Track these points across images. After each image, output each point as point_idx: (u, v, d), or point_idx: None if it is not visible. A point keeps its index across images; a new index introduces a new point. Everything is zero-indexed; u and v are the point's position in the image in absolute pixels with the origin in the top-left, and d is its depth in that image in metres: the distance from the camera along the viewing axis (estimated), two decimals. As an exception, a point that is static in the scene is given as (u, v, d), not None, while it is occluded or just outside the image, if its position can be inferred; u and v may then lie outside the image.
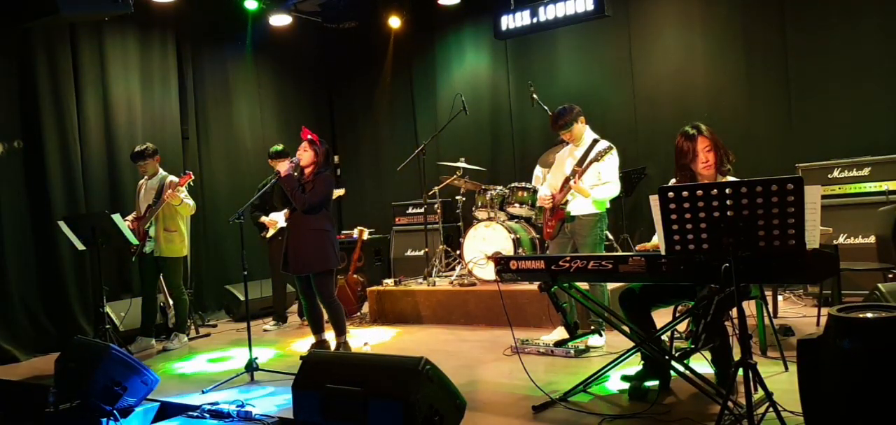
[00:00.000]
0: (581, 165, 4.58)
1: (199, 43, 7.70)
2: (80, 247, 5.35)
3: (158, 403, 3.95)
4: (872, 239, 5.09)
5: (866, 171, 5.36)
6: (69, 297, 6.25)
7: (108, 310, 5.61)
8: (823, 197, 3.26)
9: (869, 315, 2.18)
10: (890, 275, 4.41)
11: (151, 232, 5.73)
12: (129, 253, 5.78)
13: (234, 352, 5.40)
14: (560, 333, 4.64)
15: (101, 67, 6.70)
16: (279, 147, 6.19)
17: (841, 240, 5.29)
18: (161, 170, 5.90)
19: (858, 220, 5.27)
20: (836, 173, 5.45)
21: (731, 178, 3.40)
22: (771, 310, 4.55)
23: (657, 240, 3.56)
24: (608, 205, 4.71)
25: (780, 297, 5.31)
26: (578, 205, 4.64)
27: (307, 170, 4.84)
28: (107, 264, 6.33)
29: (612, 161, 4.56)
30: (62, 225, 5.33)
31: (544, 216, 4.95)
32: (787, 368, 3.71)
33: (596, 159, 4.51)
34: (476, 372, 4.33)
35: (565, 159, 4.81)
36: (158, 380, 4.00)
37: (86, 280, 6.36)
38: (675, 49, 6.92)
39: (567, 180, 4.64)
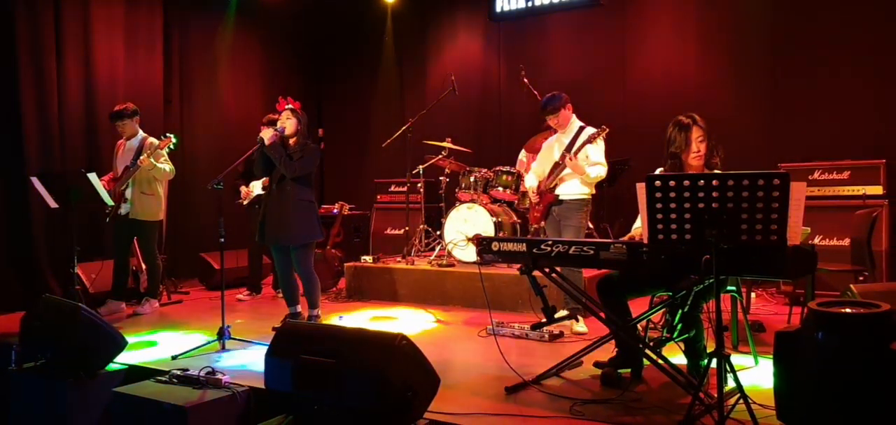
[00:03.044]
0: (570, 150, 4.64)
1: (187, 7, 7.55)
2: (53, 204, 5.22)
3: (126, 366, 3.88)
4: (847, 241, 5.16)
5: (846, 175, 5.42)
6: (39, 256, 6.13)
7: (78, 270, 5.50)
8: (803, 197, 3.41)
9: (848, 310, 2.20)
10: (861, 278, 4.47)
11: (127, 193, 5.60)
12: (103, 213, 5.66)
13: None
14: (581, 327, 4.67)
15: (84, 25, 6.53)
16: (275, 116, 6.07)
17: (816, 240, 5.35)
18: (141, 132, 5.77)
19: (835, 223, 5.34)
20: (816, 175, 5.51)
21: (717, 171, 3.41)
22: (744, 305, 4.60)
23: (637, 227, 3.59)
24: (593, 191, 4.78)
25: (752, 294, 5.37)
26: (567, 189, 4.70)
27: (292, 139, 4.77)
28: (79, 224, 6.18)
29: (601, 144, 4.66)
30: (35, 181, 5.20)
31: (530, 202, 4.98)
32: (757, 363, 3.74)
33: (589, 141, 4.55)
34: (451, 351, 4.32)
35: (553, 146, 4.87)
36: (126, 343, 3.92)
37: (57, 239, 6.22)
38: (667, 44, 6.93)
39: (556, 165, 4.66)
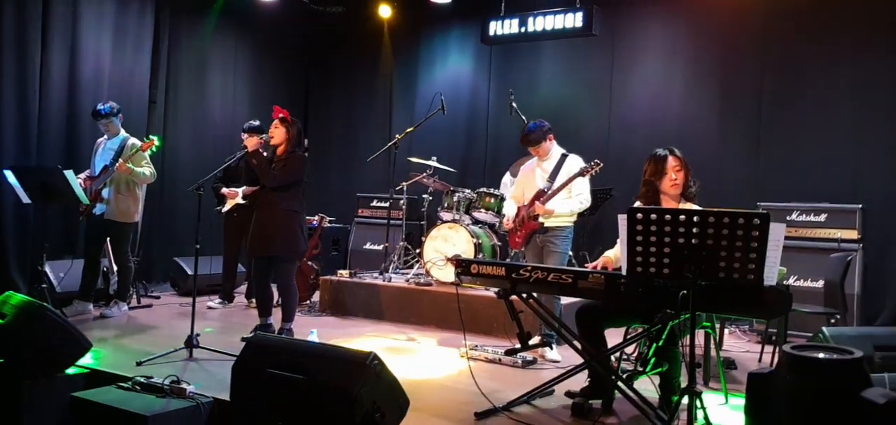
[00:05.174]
0: (552, 179, 4.63)
1: (179, 8, 7.49)
2: (26, 200, 5.10)
3: (88, 370, 3.77)
4: (820, 283, 5.21)
5: (823, 217, 5.49)
6: (6, 251, 5.96)
7: (46, 268, 5.37)
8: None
9: (821, 355, 2.20)
10: (833, 321, 4.50)
11: (105, 193, 5.50)
12: (77, 212, 5.54)
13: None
14: (554, 354, 4.62)
15: (72, 19, 6.44)
16: (256, 122, 6.02)
17: (791, 281, 5.40)
18: (123, 132, 5.67)
19: (809, 264, 5.40)
20: (794, 216, 5.57)
21: (694, 205, 3.43)
22: (717, 341, 4.61)
23: (611, 253, 3.59)
24: (575, 219, 4.76)
25: (725, 331, 5.38)
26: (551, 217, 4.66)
27: (279, 149, 4.72)
28: (52, 221, 6.06)
29: (587, 177, 4.63)
30: (9, 174, 5.08)
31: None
32: (727, 400, 3.74)
33: (581, 174, 4.52)
34: (422, 372, 4.26)
35: (534, 170, 4.82)
36: (91, 346, 3.81)
37: (27, 235, 6.08)
38: (654, 76, 7.00)
39: (541, 192, 4.65)
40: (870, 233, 5.48)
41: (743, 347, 5.23)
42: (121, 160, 5.38)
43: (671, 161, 3.41)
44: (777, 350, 4.38)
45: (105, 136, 5.66)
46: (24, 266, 6.04)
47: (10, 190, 5.21)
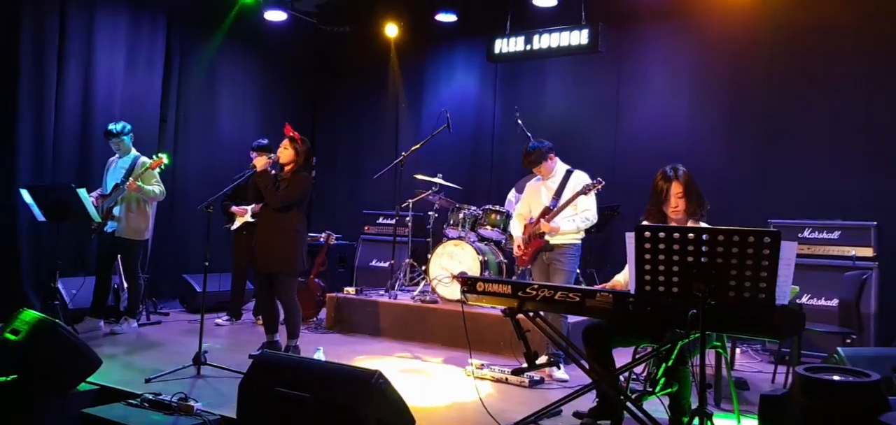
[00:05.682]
0: (557, 196, 4.61)
1: (190, 28, 7.60)
2: (41, 218, 5.14)
3: (97, 387, 3.77)
4: (835, 302, 5.13)
5: (836, 235, 5.41)
6: (20, 268, 6.02)
7: (59, 285, 5.40)
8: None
9: (836, 377, 2.15)
10: (848, 341, 4.43)
11: (116, 211, 5.53)
12: (89, 230, 5.58)
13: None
14: (562, 374, 4.58)
15: (88, 40, 6.56)
16: (264, 141, 6.04)
17: (804, 299, 5.33)
18: (134, 150, 5.72)
19: (823, 282, 5.32)
20: (806, 233, 5.50)
21: (702, 223, 3.40)
22: (728, 361, 4.55)
23: (620, 278, 3.56)
24: (582, 236, 4.74)
25: (737, 350, 5.32)
26: (557, 235, 4.65)
27: (287, 168, 4.75)
28: (64, 238, 6.10)
29: (593, 194, 4.62)
30: (25, 193, 5.14)
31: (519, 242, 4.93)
32: (739, 422, 3.67)
33: (583, 192, 4.51)
34: (428, 391, 4.23)
35: (539, 188, 4.82)
36: (101, 363, 3.82)
37: (41, 252, 6.14)
38: (661, 93, 6.98)
39: (547, 210, 4.64)
40: (886, 250, 5.40)
41: (755, 367, 5.16)
42: (131, 178, 5.42)
43: (674, 187, 3.38)
44: (790, 371, 4.31)
45: (116, 155, 5.71)
46: (38, 283, 6.08)
47: (25, 208, 5.27)
